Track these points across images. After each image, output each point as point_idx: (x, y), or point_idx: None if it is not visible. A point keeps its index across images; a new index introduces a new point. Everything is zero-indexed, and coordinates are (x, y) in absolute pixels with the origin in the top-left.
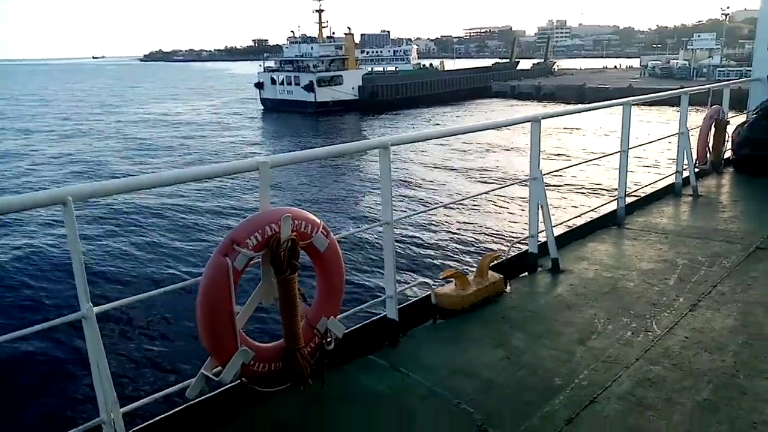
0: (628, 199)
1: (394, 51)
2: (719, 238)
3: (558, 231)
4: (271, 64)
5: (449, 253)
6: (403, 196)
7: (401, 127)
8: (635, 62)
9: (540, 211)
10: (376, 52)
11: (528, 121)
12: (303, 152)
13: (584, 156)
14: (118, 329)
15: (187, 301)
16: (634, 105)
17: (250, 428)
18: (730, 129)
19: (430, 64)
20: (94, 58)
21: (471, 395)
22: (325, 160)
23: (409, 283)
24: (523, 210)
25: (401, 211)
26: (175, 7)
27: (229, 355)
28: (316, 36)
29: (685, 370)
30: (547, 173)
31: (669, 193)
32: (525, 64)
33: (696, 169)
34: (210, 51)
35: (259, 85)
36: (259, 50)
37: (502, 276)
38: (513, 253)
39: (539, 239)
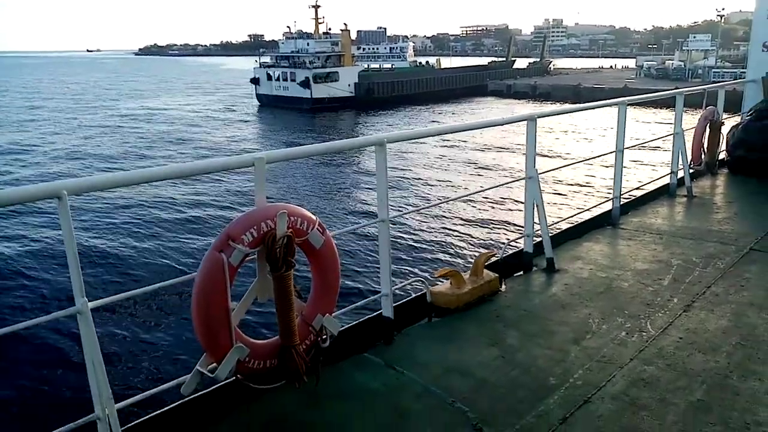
0: (623, 199)
1: (390, 48)
2: (713, 239)
3: (553, 230)
4: (266, 59)
5: (445, 252)
6: (399, 193)
7: (397, 125)
8: (631, 62)
9: (535, 211)
10: (373, 48)
11: (524, 120)
12: (299, 148)
13: (580, 156)
14: (113, 324)
15: (183, 296)
16: (629, 105)
17: (244, 425)
18: (724, 130)
19: (427, 62)
20: (88, 51)
21: (465, 394)
22: (321, 156)
23: (404, 281)
24: (518, 209)
25: (397, 208)
26: (170, 0)
27: (224, 351)
28: (313, 32)
29: (679, 371)
30: (543, 172)
31: (664, 193)
32: (521, 63)
33: (691, 170)
34: (205, 46)
35: (255, 81)
36: (254, 45)
37: (497, 275)
38: (508, 252)
39: (534, 238)
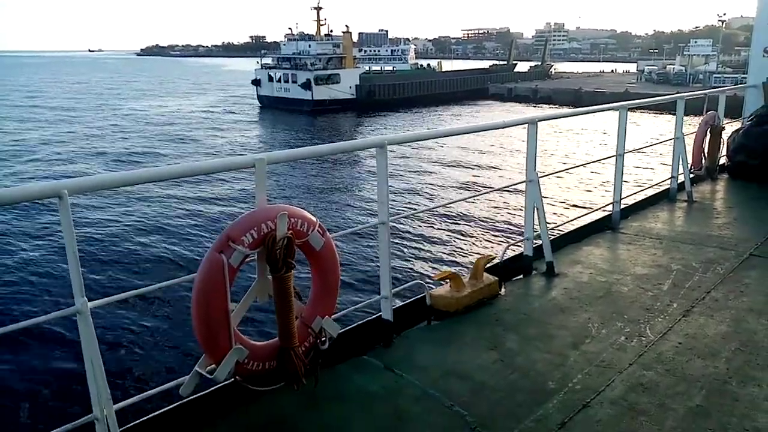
0: (623, 204)
1: (391, 50)
2: (713, 244)
3: (553, 234)
4: (268, 61)
5: (444, 254)
6: (400, 196)
7: (398, 127)
8: (632, 67)
9: (536, 214)
10: (374, 51)
11: (525, 123)
12: (300, 150)
13: (580, 159)
14: (112, 325)
15: (183, 297)
16: (630, 110)
17: (243, 427)
18: (725, 135)
19: (428, 65)
20: (90, 51)
21: (464, 397)
22: (322, 158)
23: (404, 284)
24: (518, 212)
25: (397, 211)
26: (172, 1)
27: (223, 353)
28: (314, 34)
29: (678, 376)
30: (544, 176)
31: (664, 198)
32: (522, 67)
33: (691, 175)
34: (207, 46)
35: (256, 82)
36: (256, 47)
37: (496, 278)
38: (508, 256)
39: (534, 242)
